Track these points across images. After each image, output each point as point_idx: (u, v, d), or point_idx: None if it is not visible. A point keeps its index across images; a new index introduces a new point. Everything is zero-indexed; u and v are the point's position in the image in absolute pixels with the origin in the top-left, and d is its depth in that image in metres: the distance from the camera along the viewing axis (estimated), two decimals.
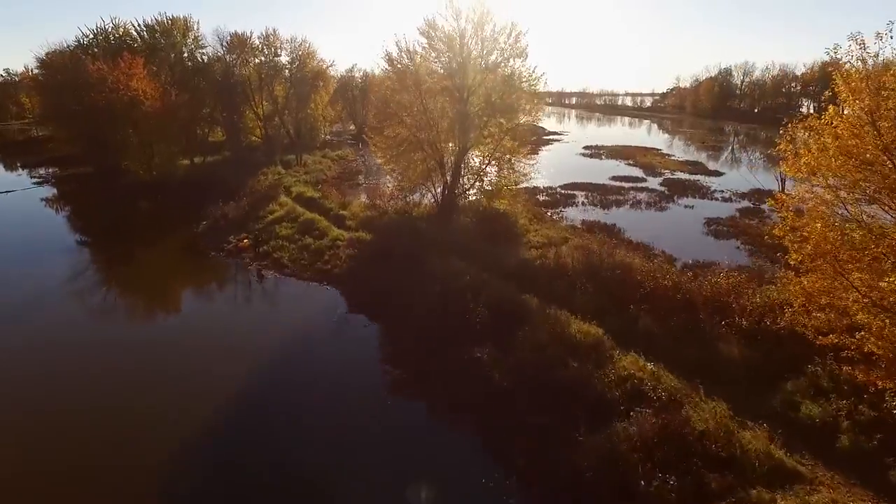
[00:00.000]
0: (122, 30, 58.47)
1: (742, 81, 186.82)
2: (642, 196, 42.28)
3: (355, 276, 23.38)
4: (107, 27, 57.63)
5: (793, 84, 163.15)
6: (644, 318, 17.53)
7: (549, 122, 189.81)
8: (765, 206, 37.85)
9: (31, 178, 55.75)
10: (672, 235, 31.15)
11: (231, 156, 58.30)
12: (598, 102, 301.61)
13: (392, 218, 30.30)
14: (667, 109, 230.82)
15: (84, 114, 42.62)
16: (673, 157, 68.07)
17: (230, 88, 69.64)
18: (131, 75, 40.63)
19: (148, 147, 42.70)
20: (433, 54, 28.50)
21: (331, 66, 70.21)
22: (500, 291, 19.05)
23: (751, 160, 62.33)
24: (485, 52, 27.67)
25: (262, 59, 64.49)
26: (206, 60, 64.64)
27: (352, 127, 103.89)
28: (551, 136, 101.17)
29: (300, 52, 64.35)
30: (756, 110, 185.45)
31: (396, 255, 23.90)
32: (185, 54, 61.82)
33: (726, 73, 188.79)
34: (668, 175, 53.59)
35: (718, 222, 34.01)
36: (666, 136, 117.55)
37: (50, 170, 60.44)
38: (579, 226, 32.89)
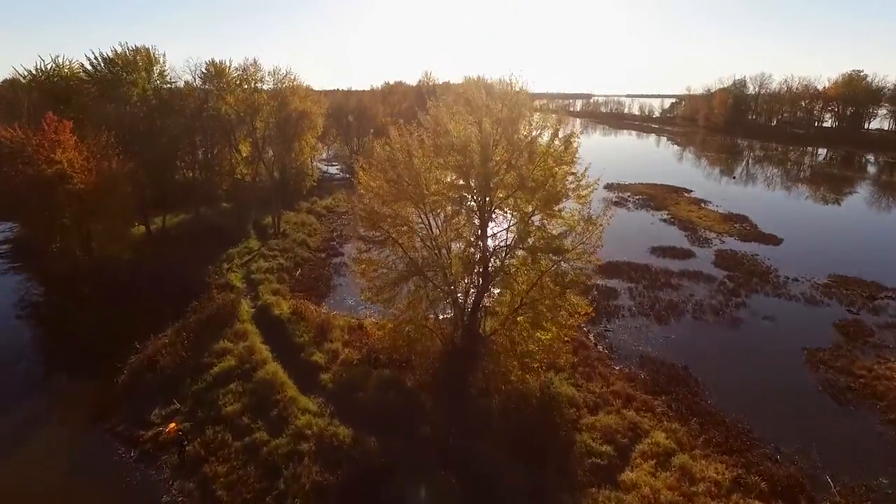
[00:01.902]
0: (66, 69, 49.69)
1: (758, 93, 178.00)
2: (701, 292, 33.67)
3: None
4: (47, 67, 48.85)
5: (814, 99, 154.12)
6: None
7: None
8: (873, 320, 29.39)
9: None
10: (772, 394, 22.64)
11: (200, 215, 49.61)
12: (603, 111, 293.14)
13: (384, 378, 21.64)
14: (676, 121, 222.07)
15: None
16: (711, 206, 59.44)
17: (205, 125, 61.55)
18: (56, 143, 32.06)
19: (83, 227, 34.11)
20: (440, 160, 19.87)
21: (319, 100, 61.69)
22: None
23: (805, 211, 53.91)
24: (516, 155, 19.11)
25: (240, 94, 56.09)
26: (174, 95, 56.50)
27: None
28: None
29: (282, 87, 55.83)
30: (773, 124, 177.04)
31: (393, 478, 15.47)
32: (150, 91, 53.18)
33: (741, 85, 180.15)
34: (716, 243, 44.99)
35: (823, 360, 25.38)
36: (685, 158, 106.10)
37: None
38: (637, 369, 24.35)
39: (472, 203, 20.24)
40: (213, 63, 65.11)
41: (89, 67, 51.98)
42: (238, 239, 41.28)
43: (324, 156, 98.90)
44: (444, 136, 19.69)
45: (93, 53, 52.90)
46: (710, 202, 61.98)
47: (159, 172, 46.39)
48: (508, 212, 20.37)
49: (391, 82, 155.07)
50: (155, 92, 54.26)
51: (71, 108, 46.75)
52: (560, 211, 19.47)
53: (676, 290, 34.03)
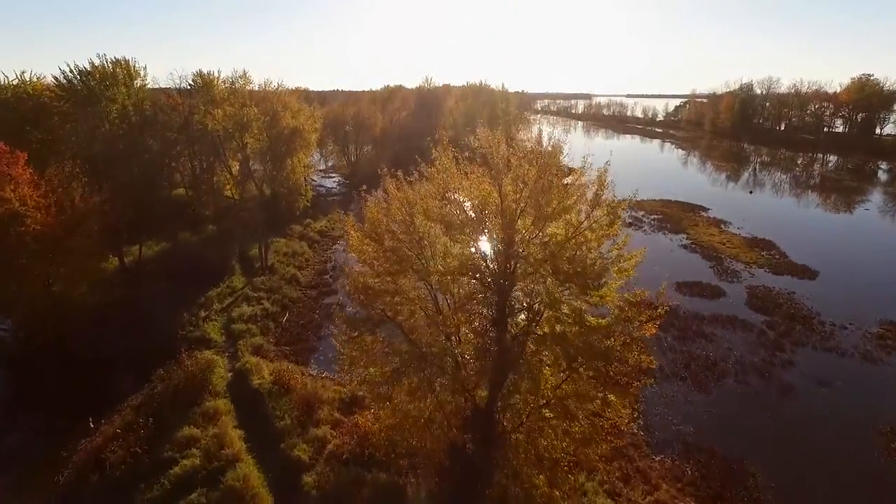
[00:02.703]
0: (31, 86, 45.69)
1: (765, 97, 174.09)
2: (740, 345, 29.77)
3: None
4: (11, 83, 44.82)
5: (824, 103, 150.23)
6: None
7: (556, 136, 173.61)
8: None
9: None
10: (846, 492, 18.81)
11: (181, 243, 45.67)
12: (606, 113, 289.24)
13: (380, 486, 17.74)
14: (681, 125, 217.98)
15: None
16: (732, 229, 55.52)
17: (192, 142, 57.79)
18: (8, 178, 28.14)
19: (41, 270, 30.20)
20: (451, 232, 15.95)
21: (312, 115, 57.80)
22: None
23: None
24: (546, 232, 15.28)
25: (229, 109, 52.32)
26: (157, 109, 52.82)
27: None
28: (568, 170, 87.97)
29: (272, 104, 51.96)
30: (780, 129, 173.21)
31: None
32: (130, 107, 49.26)
33: (748, 89, 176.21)
34: (746, 276, 41.10)
35: None
36: (694, 166, 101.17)
37: None
38: (682, 462, 20.46)
39: (489, 280, 16.33)
40: (200, 74, 61.49)
41: (63, 81, 48.13)
42: (221, 275, 37.39)
43: (321, 166, 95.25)
44: (452, 198, 15.80)
45: (68, 66, 49.05)
46: (731, 223, 58.06)
47: (139, 196, 42.49)
48: (533, 288, 16.46)
49: (391, 85, 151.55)
50: (136, 107, 50.35)
51: (39, 129, 42.92)
52: (599, 289, 15.54)
53: (711, 342, 30.12)
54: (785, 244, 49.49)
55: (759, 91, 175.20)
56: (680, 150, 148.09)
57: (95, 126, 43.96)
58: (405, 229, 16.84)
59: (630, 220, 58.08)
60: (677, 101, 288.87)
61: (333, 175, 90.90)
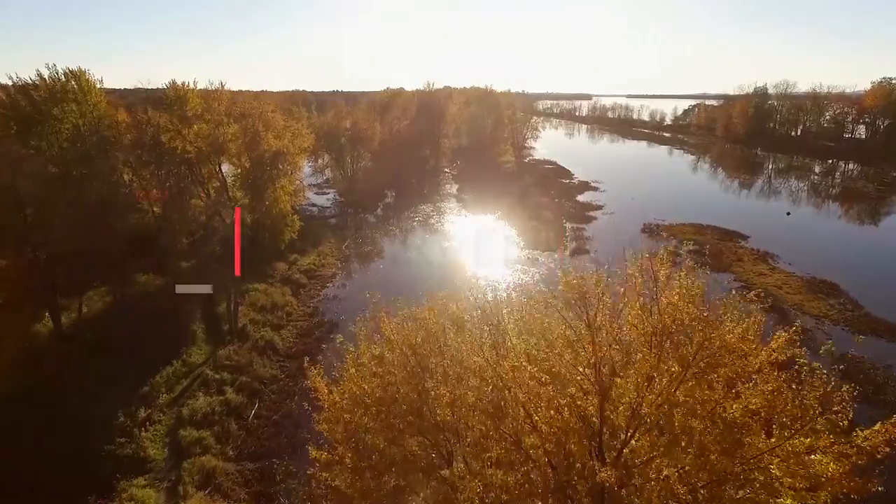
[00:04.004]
0: None
1: (781, 103, 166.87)
2: None
3: None
4: None
5: (846, 108, 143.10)
6: None
7: (561, 141, 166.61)
8: None
9: None
10: None
11: (139, 289, 38.34)
12: (611, 116, 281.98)
13: None
14: (690, 129, 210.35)
15: None
16: (782, 264, 48.19)
17: (162, 163, 50.50)
18: None
19: None
20: None
21: (301, 133, 50.53)
22: None
23: None
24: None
25: (204, 128, 45.19)
26: (116, 130, 45.68)
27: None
28: (583, 186, 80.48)
29: (252, 123, 44.68)
30: (796, 135, 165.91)
31: None
32: (84, 127, 41.92)
33: (763, 94, 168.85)
34: (819, 333, 33.86)
35: None
36: (713, 177, 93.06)
37: None
38: None
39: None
40: (173, 86, 54.13)
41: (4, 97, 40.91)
42: (178, 344, 30.02)
43: (315, 180, 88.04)
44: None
45: (10, 79, 41.89)
46: (778, 256, 50.69)
47: (92, 232, 34.97)
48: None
49: (391, 88, 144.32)
50: (92, 127, 43.09)
51: None
52: None
53: None
54: (851, 286, 42.14)
55: (773, 94, 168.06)
56: (691, 156, 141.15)
57: (38, 154, 36.77)
58: (408, 398, 9.60)
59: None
60: (679, 103, 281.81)
61: (328, 190, 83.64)
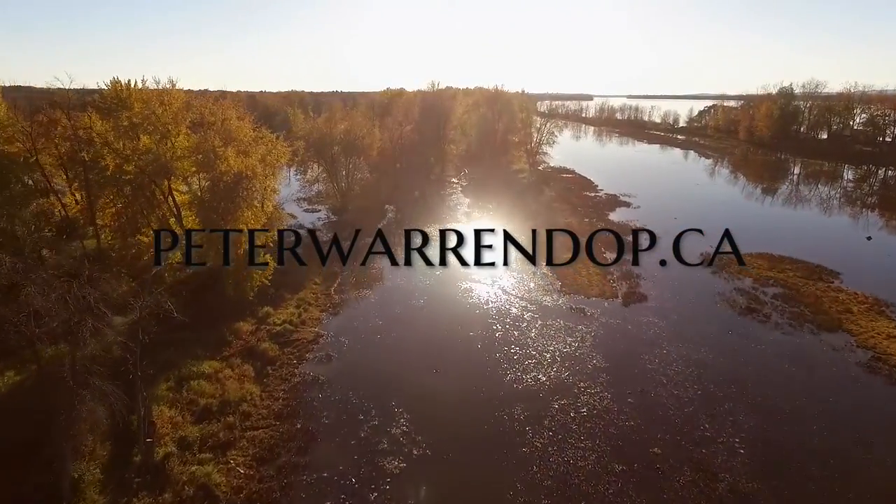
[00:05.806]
0: None
1: (808, 104, 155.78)
2: None
3: None
4: None
5: (887, 109, 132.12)
6: None
7: (570, 144, 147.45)
8: None
9: None
10: None
11: (27, 376, 26.77)
12: (619, 118, 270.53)
13: None
14: (707, 132, 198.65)
15: None
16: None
17: (91, 184, 39.47)
18: None
19: None
20: None
21: (276, 148, 39.18)
22: None
23: None
24: None
25: (147, 142, 34.03)
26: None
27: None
28: (613, 201, 68.37)
29: (209, 141, 33.30)
30: (824, 137, 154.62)
31: None
32: None
33: (788, 94, 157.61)
34: None
35: None
36: (752, 190, 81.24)
37: None
38: None
39: None
40: (115, 84, 42.67)
41: None
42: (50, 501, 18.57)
43: (305, 193, 76.79)
44: None
45: None
46: (885, 301, 39.43)
47: None
48: None
49: (392, 88, 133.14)
50: None
51: None
52: None
53: None
54: None
55: (800, 94, 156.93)
56: (715, 162, 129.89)
57: None
58: None
59: (745, 303, 39.39)
60: (687, 103, 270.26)
61: (319, 206, 72.19)
